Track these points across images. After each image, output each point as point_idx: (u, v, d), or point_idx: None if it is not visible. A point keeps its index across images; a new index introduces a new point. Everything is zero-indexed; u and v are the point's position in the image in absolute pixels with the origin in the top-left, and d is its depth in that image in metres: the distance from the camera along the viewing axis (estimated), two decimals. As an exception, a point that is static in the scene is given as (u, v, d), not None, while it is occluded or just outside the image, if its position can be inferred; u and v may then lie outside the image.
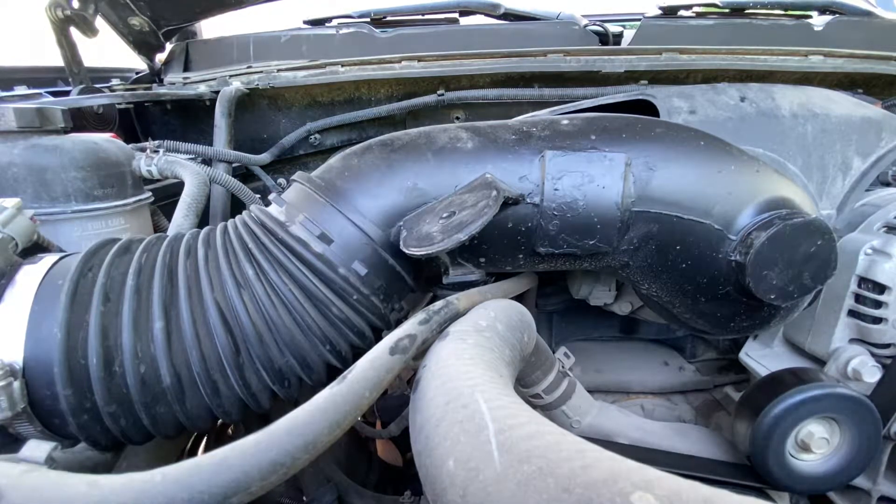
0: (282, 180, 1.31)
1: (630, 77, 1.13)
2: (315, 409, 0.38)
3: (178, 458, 0.34)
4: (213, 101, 1.18)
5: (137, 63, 1.49)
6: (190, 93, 1.24)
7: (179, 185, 0.94)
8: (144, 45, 1.39)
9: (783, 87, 0.91)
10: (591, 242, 0.65)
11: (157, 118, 1.36)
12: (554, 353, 0.81)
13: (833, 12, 1.31)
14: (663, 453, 0.84)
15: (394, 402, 1.33)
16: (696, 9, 1.32)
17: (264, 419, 0.39)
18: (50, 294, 0.53)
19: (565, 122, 0.69)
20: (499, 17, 1.32)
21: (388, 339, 0.48)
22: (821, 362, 0.82)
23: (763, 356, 0.91)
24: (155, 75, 1.45)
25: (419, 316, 0.53)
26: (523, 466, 0.31)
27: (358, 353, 0.49)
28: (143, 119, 1.36)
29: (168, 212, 0.98)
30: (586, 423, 0.84)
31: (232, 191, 1.05)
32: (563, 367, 0.82)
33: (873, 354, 0.76)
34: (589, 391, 0.87)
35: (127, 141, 1.01)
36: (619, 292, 1.04)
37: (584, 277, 1.01)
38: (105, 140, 0.89)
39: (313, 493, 1.02)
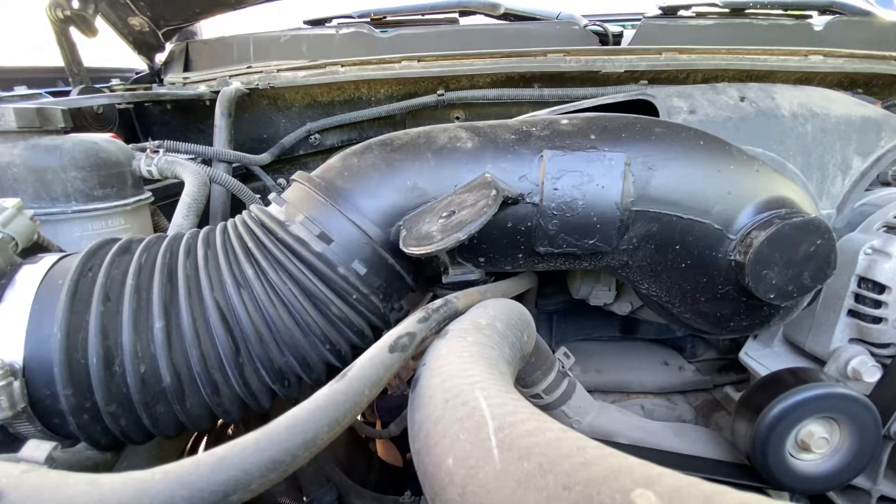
0: (282, 180, 1.31)
1: (630, 77, 1.13)
2: (315, 407, 0.38)
3: (179, 458, 0.34)
4: (213, 101, 1.18)
5: (137, 63, 1.50)
6: (190, 93, 1.24)
7: (179, 185, 0.94)
8: (144, 45, 1.39)
9: (783, 86, 0.91)
10: (590, 242, 0.65)
11: (157, 118, 1.36)
12: (554, 353, 0.81)
13: (833, 12, 1.31)
14: (663, 453, 0.84)
15: (393, 402, 1.33)
16: (695, 9, 1.32)
17: (264, 419, 0.39)
18: (50, 294, 0.53)
19: (565, 121, 0.69)
20: (499, 17, 1.32)
21: (388, 337, 0.48)
22: (821, 362, 0.82)
23: (763, 356, 0.91)
24: (155, 75, 1.46)
25: (418, 314, 0.53)
26: (523, 464, 0.31)
27: (358, 352, 0.49)
28: (143, 119, 1.36)
29: (168, 212, 0.98)
30: (586, 423, 0.84)
31: (232, 191, 1.05)
32: (563, 367, 0.82)
33: (873, 354, 0.76)
34: (589, 391, 0.87)
35: (127, 141, 1.01)
36: (619, 292, 1.03)
37: (584, 277, 1.01)
38: (105, 140, 0.89)
39: (313, 493, 1.02)
